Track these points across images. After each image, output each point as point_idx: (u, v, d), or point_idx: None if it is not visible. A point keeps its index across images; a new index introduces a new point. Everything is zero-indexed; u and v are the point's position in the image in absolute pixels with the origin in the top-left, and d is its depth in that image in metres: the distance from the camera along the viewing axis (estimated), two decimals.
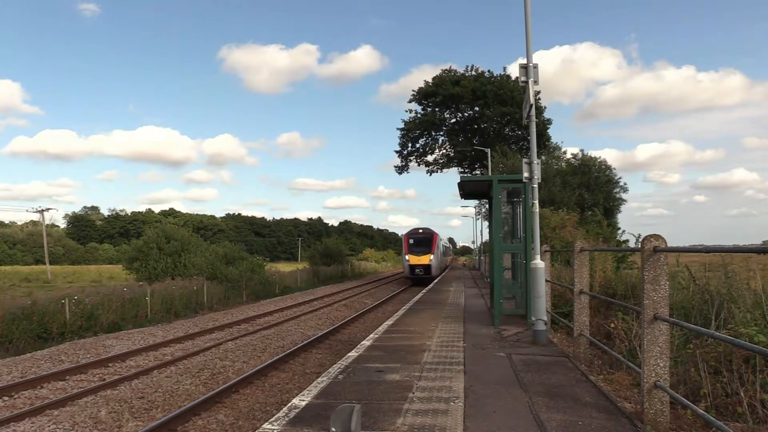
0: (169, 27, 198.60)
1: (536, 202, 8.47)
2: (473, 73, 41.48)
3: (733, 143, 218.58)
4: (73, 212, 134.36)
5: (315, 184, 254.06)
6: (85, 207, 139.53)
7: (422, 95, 42.38)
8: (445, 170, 46.91)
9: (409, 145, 44.98)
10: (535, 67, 8.45)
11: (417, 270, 36.61)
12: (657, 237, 4.22)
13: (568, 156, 34.05)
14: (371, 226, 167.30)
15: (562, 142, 42.60)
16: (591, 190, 31.25)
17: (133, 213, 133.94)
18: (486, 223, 39.54)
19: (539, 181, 8.58)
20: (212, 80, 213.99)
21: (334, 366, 6.46)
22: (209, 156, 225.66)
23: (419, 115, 43.06)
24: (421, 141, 44.81)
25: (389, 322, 10.75)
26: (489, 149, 33.42)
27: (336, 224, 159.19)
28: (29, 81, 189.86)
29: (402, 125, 44.09)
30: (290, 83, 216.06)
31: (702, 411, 3.80)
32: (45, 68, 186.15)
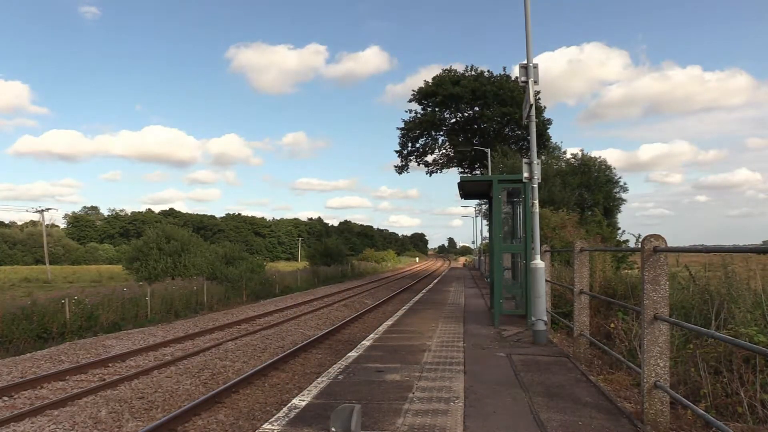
0: (177, 28, 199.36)
1: (536, 202, 8.48)
2: (473, 73, 41.46)
3: (736, 143, 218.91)
4: (73, 212, 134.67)
5: (318, 184, 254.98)
6: (85, 207, 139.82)
7: (422, 95, 42.36)
8: (445, 170, 46.94)
9: (409, 145, 44.98)
10: (535, 67, 8.46)
11: None
12: (657, 237, 4.22)
13: (568, 156, 34.06)
14: (371, 226, 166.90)
15: (561, 142, 42.54)
16: (591, 190, 31.21)
17: (132, 213, 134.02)
18: (486, 223, 39.54)
19: (539, 181, 8.59)
20: (219, 80, 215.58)
21: (334, 366, 6.46)
22: (214, 156, 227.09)
23: (419, 115, 43.05)
24: (421, 141, 44.81)
25: (389, 322, 10.75)
26: (489, 149, 33.42)
27: (336, 224, 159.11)
28: (38, 82, 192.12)
29: (402, 125, 44.13)
30: (297, 84, 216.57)
31: (702, 411, 3.80)
32: (53, 70, 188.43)
